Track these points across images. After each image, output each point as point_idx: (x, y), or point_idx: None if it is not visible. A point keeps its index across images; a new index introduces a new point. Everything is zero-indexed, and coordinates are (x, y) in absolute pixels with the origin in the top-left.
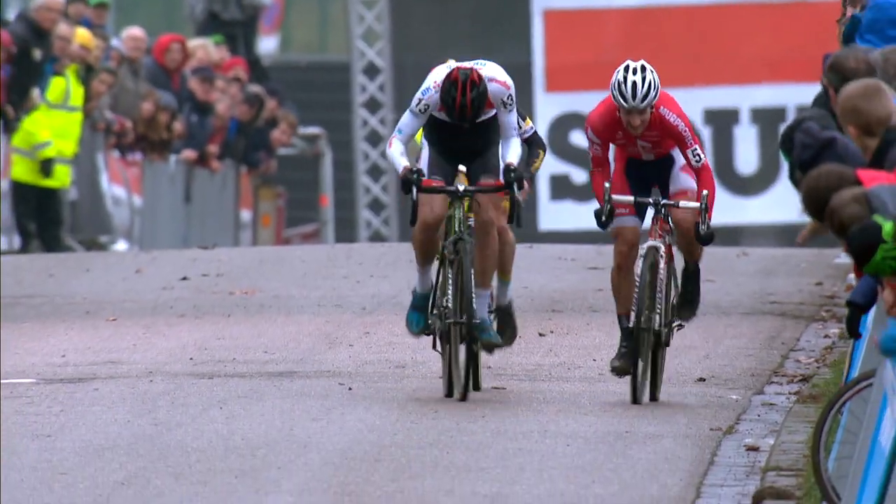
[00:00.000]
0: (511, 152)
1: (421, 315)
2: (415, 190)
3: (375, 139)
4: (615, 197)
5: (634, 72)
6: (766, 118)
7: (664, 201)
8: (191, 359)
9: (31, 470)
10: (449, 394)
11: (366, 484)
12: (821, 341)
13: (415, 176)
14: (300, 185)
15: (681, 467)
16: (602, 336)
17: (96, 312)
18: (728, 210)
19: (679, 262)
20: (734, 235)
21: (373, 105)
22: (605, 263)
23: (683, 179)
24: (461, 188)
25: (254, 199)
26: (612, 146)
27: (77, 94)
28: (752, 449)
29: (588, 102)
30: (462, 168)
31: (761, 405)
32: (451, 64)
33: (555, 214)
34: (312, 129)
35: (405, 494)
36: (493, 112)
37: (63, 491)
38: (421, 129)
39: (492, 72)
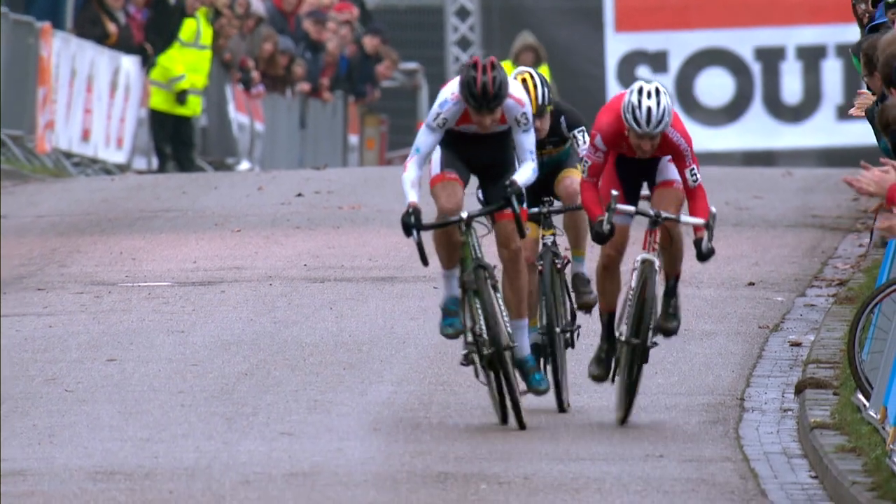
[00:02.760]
0: (521, 173)
1: (454, 318)
2: (416, 232)
3: None
4: (620, 206)
5: (649, 95)
6: (809, 55)
7: (665, 215)
8: (305, 265)
9: (166, 361)
10: (504, 421)
11: (456, 375)
12: (856, 250)
13: (412, 218)
14: (400, 113)
15: (732, 361)
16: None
17: (223, 224)
18: (774, 135)
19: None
20: (779, 158)
21: (463, 43)
22: None
23: (670, 171)
24: (465, 215)
25: (360, 125)
26: None
27: (207, 33)
28: (795, 344)
29: (653, 41)
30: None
31: (803, 306)
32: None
33: None
34: (411, 65)
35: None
36: (506, 126)
37: (195, 380)
38: None
39: (510, 87)
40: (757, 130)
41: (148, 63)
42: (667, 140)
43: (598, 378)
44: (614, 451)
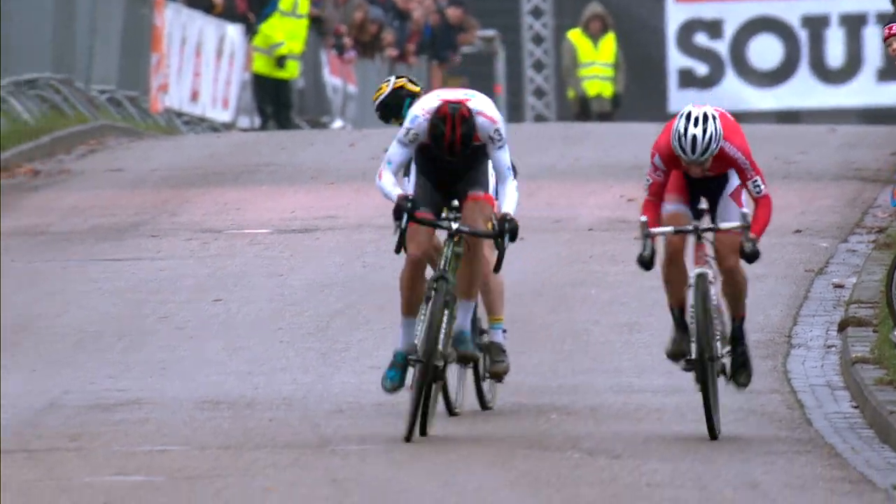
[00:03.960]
0: (507, 200)
1: (398, 373)
2: (405, 218)
3: (538, 40)
4: (654, 230)
5: (696, 122)
6: (851, 22)
7: (703, 227)
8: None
9: (267, 302)
10: (408, 437)
11: (530, 314)
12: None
13: (409, 205)
14: (479, 76)
15: (781, 301)
16: None
17: (318, 178)
18: (820, 96)
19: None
20: (825, 116)
21: (537, 12)
22: None
23: (732, 210)
24: (454, 226)
25: (444, 85)
26: None
27: (304, 4)
28: (838, 286)
29: (709, 11)
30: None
31: (845, 251)
32: (440, 93)
33: (681, 100)
34: (488, 32)
35: (561, 325)
36: (480, 143)
37: (292, 318)
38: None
39: (480, 105)
40: (803, 92)
41: (251, 31)
42: (724, 155)
43: (674, 354)
44: (672, 384)
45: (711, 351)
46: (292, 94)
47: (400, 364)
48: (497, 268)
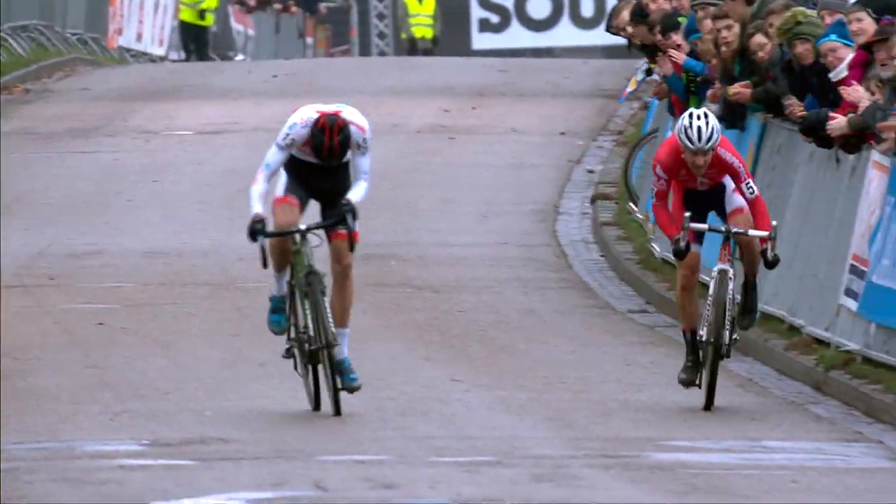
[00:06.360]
0: (355, 191)
1: (280, 315)
2: (260, 238)
3: None
4: (692, 225)
5: (699, 118)
6: None
7: (735, 230)
8: (278, 122)
9: (191, 182)
10: (317, 407)
11: (377, 192)
12: (629, 112)
13: (259, 226)
14: (339, 23)
15: (550, 182)
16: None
17: (226, 95)
18: (577, 38)
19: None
20: (580, 52)
21: None
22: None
23: (737, 199)
24: (303, 227)
25: (314, 30)
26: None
27: None
28: (591, 171)
29: None
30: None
31: (595, 147)
32: (316, 107)
33: (480, 41)
34: None
35: (398, 199)
36: (349, 154)
37: (208, 194)
38: None
39: (351, 116)
40: (565, 35)
41: None
42: (720, 161)
43: (687, 382)
44: (477, 240)
45: (720, 339)
46: (208, 36)
47: (279, 308)
48: (351, 247)
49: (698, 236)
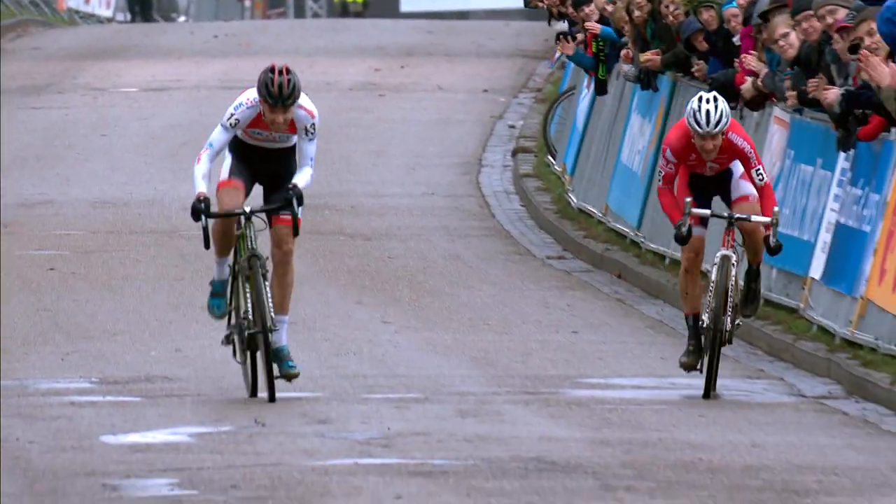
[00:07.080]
0: (301, 177)
1: (220, 300)
2: (203, 217)
3: None
4: (695, 210)
5: (708, 101)
6: None
7: (737, 216)
8: (219, 79)
9: (136, 136)
10: (253, 394)
11: None
12: (546, 70)
13: (203, 205)
14: None
15: (474, 136)
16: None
17: (170, 54)
18: (499, 1)
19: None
20: (502, 15)
21: None
22: (441, 28)
23: (744, 186)
24: (248, 209)
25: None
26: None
27: None
28: (512, 126)
29: None
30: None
31: (516, 104)
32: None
33: (408, 4)
34: None
35: (332, 152)
36: (295, 138)
37: (154, 147)
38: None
39: (302, 100)
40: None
41: None
42: (732, 145)
43: (687, 366)
44: (406, 191)
45: (721, 324)
46: None
47: (220, 293)
48: (295, 233)
49: (703, 220)
